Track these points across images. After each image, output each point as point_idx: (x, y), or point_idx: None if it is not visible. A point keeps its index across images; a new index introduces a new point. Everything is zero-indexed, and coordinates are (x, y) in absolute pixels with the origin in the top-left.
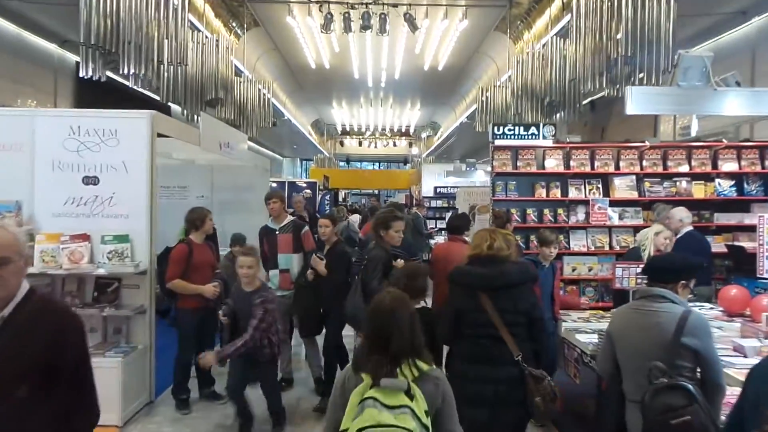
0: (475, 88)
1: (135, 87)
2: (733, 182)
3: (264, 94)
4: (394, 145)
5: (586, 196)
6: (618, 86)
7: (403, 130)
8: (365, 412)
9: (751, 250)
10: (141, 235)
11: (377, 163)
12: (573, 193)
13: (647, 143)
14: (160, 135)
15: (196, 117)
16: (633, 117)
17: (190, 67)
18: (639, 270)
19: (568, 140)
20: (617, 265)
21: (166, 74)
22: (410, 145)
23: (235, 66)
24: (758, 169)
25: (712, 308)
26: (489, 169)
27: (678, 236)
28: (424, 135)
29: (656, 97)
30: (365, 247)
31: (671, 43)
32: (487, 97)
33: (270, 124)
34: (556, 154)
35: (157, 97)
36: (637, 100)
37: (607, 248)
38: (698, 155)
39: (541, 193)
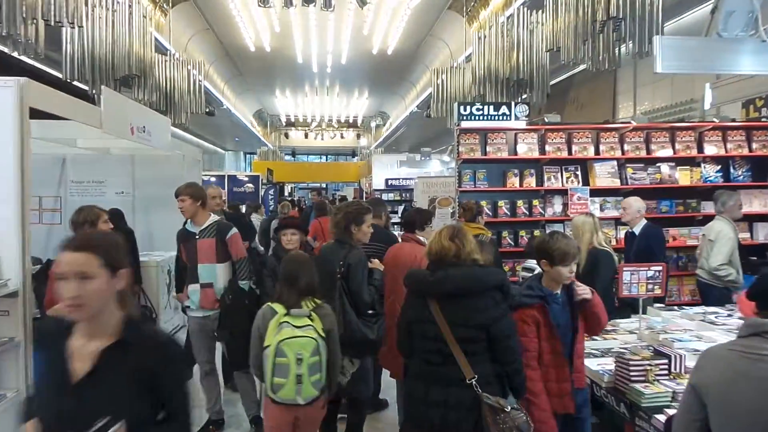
0: (427, 74)
1: (12, 53)
2: (719, 167)
3: (196, 78)
4: (342, 137)
5: (563, 185)
6: (606, 55)
7: (351, 121)
8: (282, 330)
9: (746, 243)
10: (9, 245)
11: (325, 156)
12: (549, 182)
13: (632, 123)
14: (43, 114)
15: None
16: (589, 104)
17: (98, 40)
18: (650, 272)
19: (546, 120)
20: (624, 268)
21: (68, 47)
22: (358, 136)
23: (161, 45)
24: (745, 152)
25: (730, 315)
26: (445, 158)
27: (638, 229)
28: (372, 125)
29: (692, 51)
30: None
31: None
32: (442, 80)
33: (204, 111)
34: (530, 137)
35: (58, 74)
36: (668, 55)
37: None
38: (682, 138)
39: (513, 182)
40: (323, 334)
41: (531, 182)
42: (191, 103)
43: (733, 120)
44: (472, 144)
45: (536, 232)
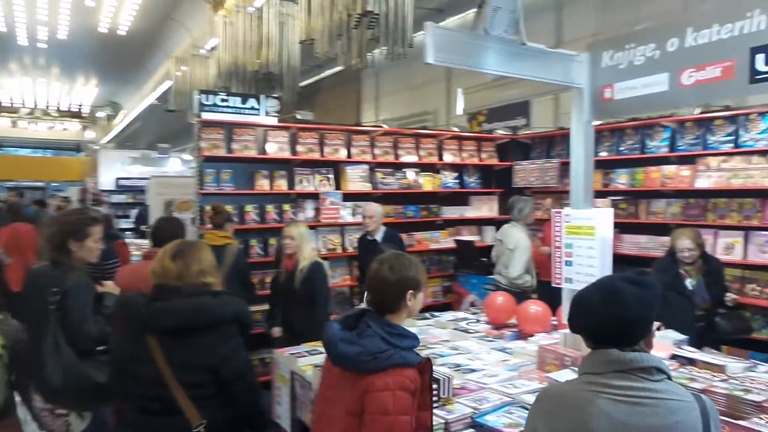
0: (167, 62)
1: None
2: (456, 174)
3: None
4: (64, 128)
5: (316, 189)
6: (359, 53)
7: (75, 110)
8: None
9: (478, 244)
10: None
11: (41, 150)
12: (301, 185)
13: (384, 126)
14: None
15: None
16: (336, 110)
17: None
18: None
19: (298, 117)
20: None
21: None
22: (84, 128)
23: None
24: (476, 161)
25: (478, 321)
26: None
27: (379, 236)
28: (102, 116)
29: (464, 45)
30: None
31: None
32: (183, 71)
33: None
34: (281, 135)
35: None
36: (440, 45)
37: (339, 250)
38: (426, 145)
39: (263, 184)
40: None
41: (282, 185)
42: None
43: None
44: (216, 140)
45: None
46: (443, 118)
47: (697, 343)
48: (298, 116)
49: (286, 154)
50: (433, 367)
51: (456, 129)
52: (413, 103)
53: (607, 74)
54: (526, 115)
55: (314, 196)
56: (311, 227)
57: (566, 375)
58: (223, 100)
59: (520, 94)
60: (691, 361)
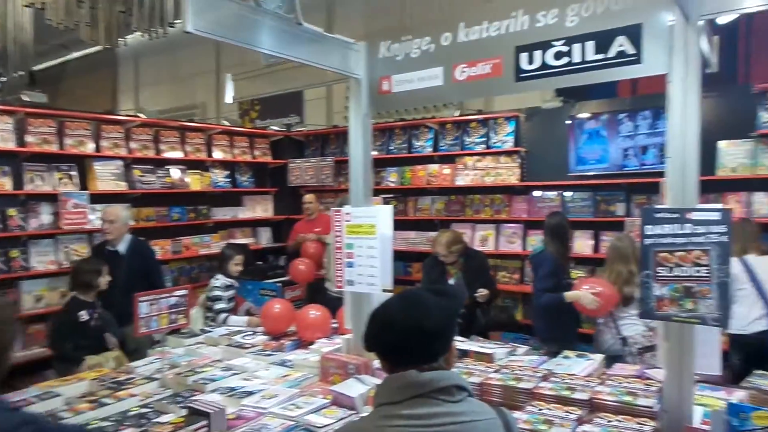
0: None
1: None
2: (227, 172)
3: None
4: None
5: (54, 189)
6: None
7: None
8: None
9: (253, 247)
10: None
11: None
12: (33, 184)
13: (141, 116)
14: None
15: None
16: (86, 99)
17: None
18: (173, 299)
19: (26, 100)
20: (141, 299)
21: None
22: None
23: None
24: (249, 158)
25: (255, 333)
26: None
27: (123, 247)
28: None
29: (230, 15)
30: None
31: None
32: None
33: None
34: (3, 122)
35: None
36: (202, 12)
37: None
38: (192, 140)
39: None
40: None
41: (5, 183)
42: None
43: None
44: None
45: (13, 252)
46: (213, 112)
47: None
48: (25, 98)
49: (12, 146)
50: (203, 397)
51: (227, 123)
52: (180, 95)
53: (384, 66)
54: (299, 112)
55: (52, 198)
56: (48, 236)
57: (352, 386)
58: None
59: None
60: (465, 353)
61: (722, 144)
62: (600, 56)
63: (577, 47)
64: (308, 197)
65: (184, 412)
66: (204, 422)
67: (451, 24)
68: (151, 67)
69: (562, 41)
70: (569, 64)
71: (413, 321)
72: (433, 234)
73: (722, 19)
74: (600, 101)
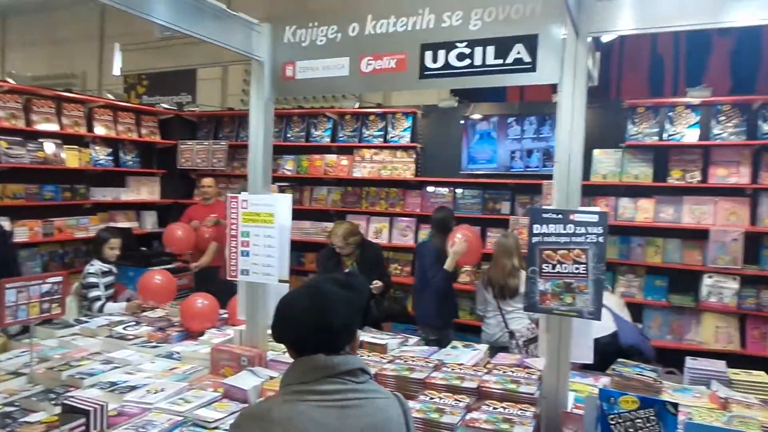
0: None
1: None
2: (110, 150)
3: None
4: None
5: None
6: None
7: None
8: None
9: (137, 231)
10: None
11: None
12: None
13: (10, 81)
14: None
15: None
16: None
17: None
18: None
19: None
20: (7, 285)
21: None
22: None
23: None
24: (135, 136)
25: (138, 323)
26: None
27: None
28: None
29: None
30: None
31: None
32: None
33: None
34: None
35: None
36: None
37: None
38: (70, 112)
39: None
40: None
41: None
42: None
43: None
44: None
45: None
46: (94, 84)
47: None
48: None
49: None
50: (80, 393)
51: (111, 97)
52: (56, 62)
53: (289, 51)
54: (191, 91)
55: None
56: None
57: (245, 378)
58: None
59: (187, 62)
60: (359, 344)
61: (596, 152)
62: (499, 61)
63: (478, 50)
64: (207, 180)
65: (58, 409)
66: (81, 420)
67: (358, 15)
68: (22, 27)
69: (465, 43)
70: (471, 66)
71: (321, 317)
72: (328, 225)
73: (605, 38)
74: (491, 104)
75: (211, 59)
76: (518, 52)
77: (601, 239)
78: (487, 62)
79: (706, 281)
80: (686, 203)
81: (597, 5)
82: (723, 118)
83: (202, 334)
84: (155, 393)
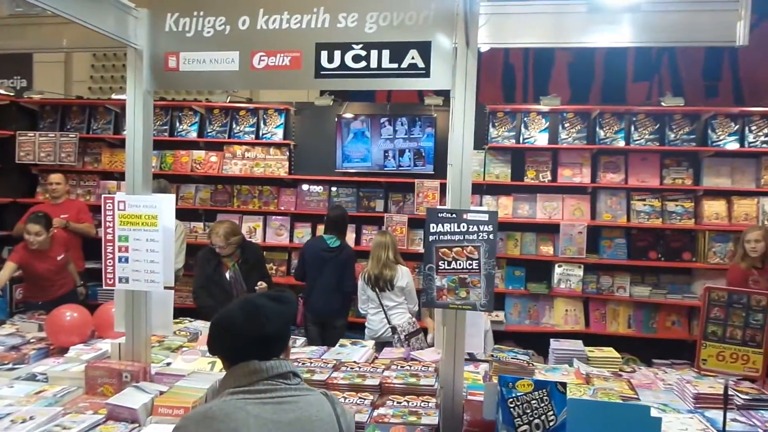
0: None
1: None
2: None
3: None
4: None
5: None
6: None
7: None
8: None
9: None
10: None
11: None
12: None
13: None
14: None
15: None
16: None
17: None
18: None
19: None
20: None
21: None
22: None
23: None
24: None
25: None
26: None
27: None
28: None
29: None
30: None
31: None
32: None
33: None
34: None
35: None
36: None
37: None
38: None
39: None
40: None
41: None
42: None
43: None
44: None
45: None
46: None
47: None
48: None
49: None
50: None
51: None
52: None
53: (172, 40)
54: (27, 75)
55: None
56: None
57: (132, 395)
58: None
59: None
60: None
61: None
62: (394, 65)
63: (374, 53)
64: (55, 177)
65: None
66: None
67: (248, 8)
68: None
69: (361, 45)
70: (367, 68)
71: (256, 330)
72: (196, 224)
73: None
74: (365, 104)
75: (47, 44)
76: (413, 58)
77: (491, 236)
78: (383, 65)
79: (557, 270)
80: (539, 200)
81: (487, 18)
82: (568, 124)
83: (66, 350)
84: (22, 422)
